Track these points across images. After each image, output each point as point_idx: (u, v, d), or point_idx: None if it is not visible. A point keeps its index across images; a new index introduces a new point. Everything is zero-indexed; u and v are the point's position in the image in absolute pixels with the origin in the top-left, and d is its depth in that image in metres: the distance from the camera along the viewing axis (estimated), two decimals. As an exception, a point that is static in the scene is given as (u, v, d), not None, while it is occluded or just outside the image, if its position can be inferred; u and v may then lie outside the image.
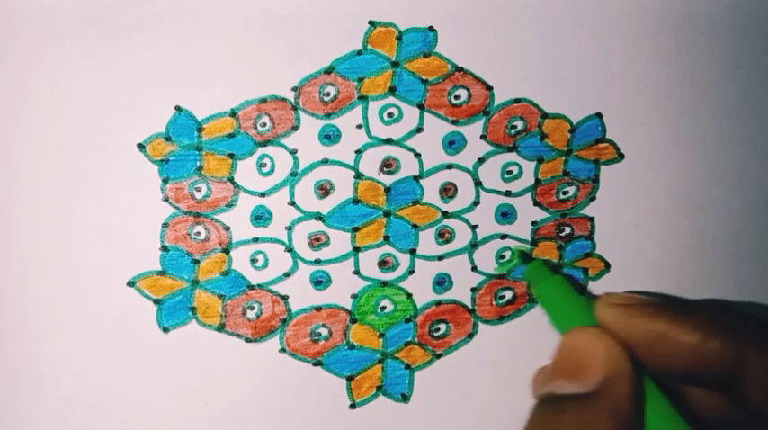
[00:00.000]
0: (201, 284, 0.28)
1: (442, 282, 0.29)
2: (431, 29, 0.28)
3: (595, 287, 0.29)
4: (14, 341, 0.27)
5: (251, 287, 0.28)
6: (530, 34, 0.28)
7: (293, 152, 0.28)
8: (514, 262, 0.29)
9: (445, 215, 0.29)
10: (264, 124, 0.28)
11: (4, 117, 0.27)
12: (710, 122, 0.29)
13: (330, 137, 0.28)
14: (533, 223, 0.29)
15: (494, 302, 0.29)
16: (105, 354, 0.27)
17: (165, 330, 0.27)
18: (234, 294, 0.28)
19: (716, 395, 0.23)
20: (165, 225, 0.27)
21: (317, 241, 0.28)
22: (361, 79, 0.28)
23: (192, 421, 0.28)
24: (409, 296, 0.29)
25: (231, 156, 0.28)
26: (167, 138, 0.27)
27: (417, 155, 0.28)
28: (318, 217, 0.28)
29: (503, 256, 0.29)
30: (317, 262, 0.28)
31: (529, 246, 0.29)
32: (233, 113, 0.27)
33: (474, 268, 0.29)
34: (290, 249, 0.28)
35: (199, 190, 0.28)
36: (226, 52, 0.27)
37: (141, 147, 0.27)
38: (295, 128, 0.28)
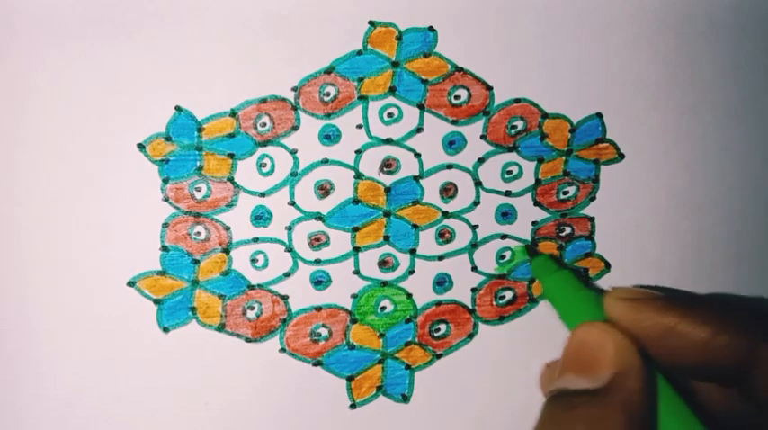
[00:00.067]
0: (201, 284, 0.28)
1: (443, 283, 0.29)
2: (431, 29, 0.28)
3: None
4: (14, 341, 0.27)
5: (251, 287, 0.28)
6: (530, 34, 0.28)
7: (293, 152, 0.28)
8: (515, 262, 0.29)
9: (445, 215, 0.29)
10: (264, 124, 0.28)
11: (4, 117, 0.27)
12: (710, 122, 0.29)
13: (330, 137, 0.28)
14: (533, 223, 0.29)
15: (494, 302, 0.29)
16: (105, 354, 0.27)
17: (165, 330, 0.27)
18: (234, 294, 0.28)
19: (726, 390, 0.23)
20: (165, 225, 0.27)
21: (316, 241, 0.28)
22: (361, 79, 0.28)
23: (192, 421, 0.28)
24: (409, 296, 0.29)
25: (231, 156, 0.28)
26: (167, 138, 0.27)
27: (417, 155, 0.28)
28: (318, 217, 0.28)
29: (503, 256, 0.29)
30: (317, 262, 0.28)
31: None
32: (233, 113, 0.27)
33: (474, 268, 0.29)
34: (290, 249, 0.28)
35: (199, 190, 0.28)
36: (226, 52, 0.27)
37: (141, 147, 0.27)
38: (295, 128, 0.28)
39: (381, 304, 0.29)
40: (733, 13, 0.29)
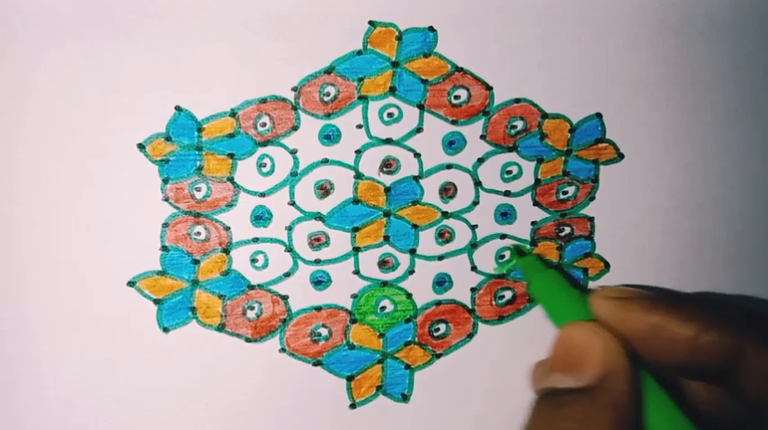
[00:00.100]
0: (201, 284, 0.28)
1: (442, 282, 0.29)
2: (431, 29, 0.28)
3: (595, 287, 0.29)
4: (14, 341, 0.27)
5: (251, 287, 0.28)
6: (530, 34, 0.28)
7: (293, 152, 0.28)
8: (513, 262, 0.29)
9: (445, 215, 0.29)
10: (264, 124, 0.28)
11: (4, 117, 0.27)
12: (710, 122, 0.29)
13: (330, 137, 0.28)
14: (533, 223, 0.29)
15: (493, 302, 0.29)
16: (105, 354, 0.27)
17: (165, 330, 0.27)
18: (234, 294, 0.28)
19: (713, 388, 0.23)
20: (165, 225, 0.27)
21: (316, 241, 0.28)
22: (361, 79, 0.28)
23: (192, 421, 0.28)
24: (409, 296, 0.29)
25: (231, 156, 0.28)
26: (167, 138, 0.27)
27: (417, 155, 0.28)
28: (318, 217, 0.28)
29: (502, 256, 0.29)
30: (317, 262, 0.28)
31: (529, 247, 0.29)
32: (233, 113, 0.27)
33: (474, 268, 0.29)
34: (290, 249, 0.28)
35: (199, 190, 0.28)
36: (226, 52, 0.27)
37: (141, 147, 0.27)
38: (295, 128, 0.28)
39: (381, 304, 0.29)
40: (733, 13, 0.29)
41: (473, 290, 0.29)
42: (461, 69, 0.28)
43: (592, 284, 0.29)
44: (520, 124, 0.29)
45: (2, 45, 0.26)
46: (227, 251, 0.28)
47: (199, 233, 0.28)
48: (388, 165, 0.28)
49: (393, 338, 0.29)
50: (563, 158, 0.29)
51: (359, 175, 0.28)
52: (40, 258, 0.27)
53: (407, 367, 0.29)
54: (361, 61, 0.28)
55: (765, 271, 0.30)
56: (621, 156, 0.29)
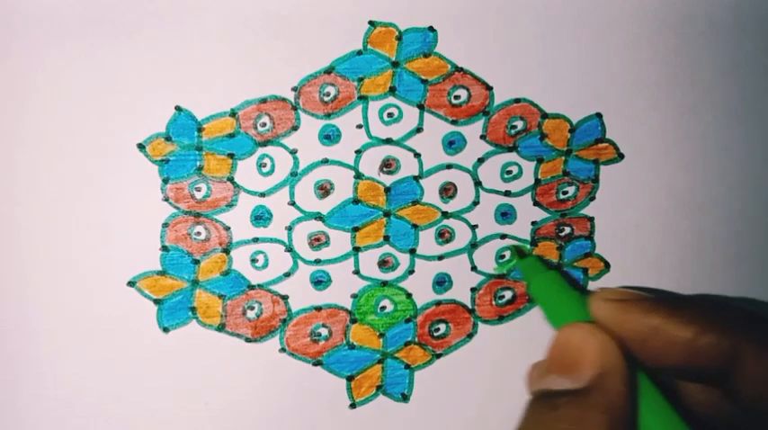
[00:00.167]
0: (202, 284, 0.28)
1: (442, 282, 0.29)
2: (431, 29, 0.28)
3: (595, 287, 0.29)
4: (14, 341, 0.27)
5: (251, 287, 0.28)
6: (530, 34, 0.28)
7: (293, 152, 0.28)
8: (513, 262, 0.29)
9: (445, 215, 0.29)
10: (264, 124, 0.28)
11: (4, 117, 0.27)
12: (710, 122, 0.29)
13: (330, 137, 0.28)
14: (533, 223, 0.29)
15: (493, 302, 0.29)
16: (105, 354, 0.27)
17: (165, 330, 0.27)
18: (234, 294, 0.28)
19: (711, 390, 0.23)
20: (165, 225, 0.27)
21: (316, 241, 0.28)
22: (361, 79, 0.28)
23: (192, 421, 0.28)
24: (409, 296, 0.29)
25: (231, 156, 0.28)
26: (167, 138, 0.27)
27: (417, 155, 0.28)
28: (318, 217, 0.28)
29: (502, 256, 0.29)
30: (317, 262, 0.28)
31: (529, 247, 0.29)
32: (233, 113, 0.27)
33: (474, 268, 0.29)
34: (290, 249, 0.28)
35: (199, 190, 0.28)
36: (226, 52, 0.27)
37: (141, 147, 0.27)
38: (295, 128, 0.28)
39: (381, 304, 0.29)
40: (733, 13, 0.29)
41: (473, 290, 0.29)
42: (461, 69, 0.28)
43: (592, 284, 0.29)
44: (520, 124, 0.29)
45: (2, 45, 0.26)
46: (227, 251, 0.28)
47: (199, 233, 0.28)
48: (388, 165, 0.28)
49: (393, 338, 0.29)
50: (563, 158, 0.29)
51: (359, 175, 0.28)
52: (40, 258, 0.27)
53: (407, 367, 0.29)
54: (361, 61, 0.28)
55: (765, 271, 0.30)
56: (621, 156, 0.29)
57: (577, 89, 0.29)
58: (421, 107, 0.28)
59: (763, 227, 0.30)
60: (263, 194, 0.28)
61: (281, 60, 0.27)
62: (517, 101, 0.28)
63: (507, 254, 0.29)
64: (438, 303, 0.29)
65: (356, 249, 0.28)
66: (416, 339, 0.29)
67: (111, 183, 0.27)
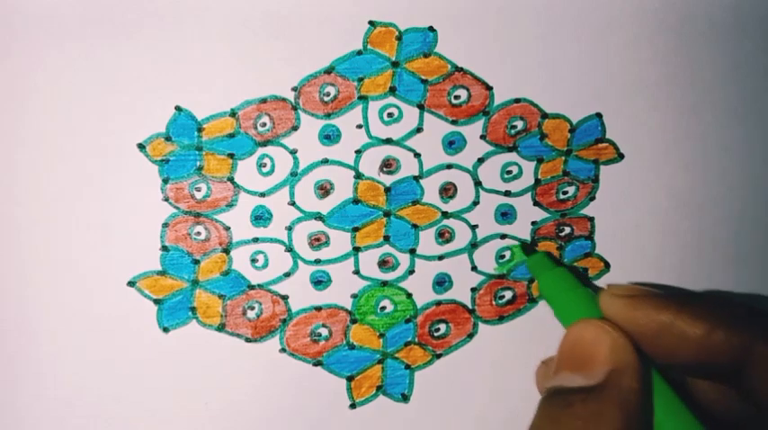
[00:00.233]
0: (202, 284, 0.28)
1: (442, 282, 0.29)
2: (431, 29, 0.28)
3: (600, 286, 0.29)
4: (14, 341, 0.27)
5: (251, 287, 0.28)
6: (530, 34, 0.28)
7: (293, 152, 0.28)
8: (514, 261, 0.29)
9: (445, 215, 0.29)
10: (264, 124, 0.28)
11: (4, 117, 0.27)
12: (710, 122, 0.29)
13: (330, 137, 0.28)
14: (533, 223, 0.29)
15: (493, 302, 0.29)
16: (105, 354, 0.27)
17: (165, 330, 0.27)
18: (234, 294, 0.28)
19: (722, 387, 0.23)
20: (165, 225, 0.27)
21: (316, 241, 0.28)
22: (361, 79, 0.28)
23: (192, 421, 0.28)
24: (409, 296, 0.29)
25: (231, 156, 0.28)
26: (167, 138, 0.27)
27: (417, 155, 0.28)
28: (318, 217, 0.28)
29: (502, 256, 0.29)
30: (317, 262, 0.28)
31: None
32: (233, 113, 0.27)
33: (474, 268, 0.29)
34: (290, 249, 0.28)
35: (199, 190, 0.28)
36: (226, 52, 0.27)
37: (141, 147, 0.27)
38: (295, 128, 0.28)
39: (381, 304, 0.29)
40: (733, 13, 0.29)
41: (473, 290, 0.29)
42: (461, 69, 0.28)
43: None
44: (520, 124, 0.29)
45: (2, 45, 0.26)
46: (227, 251, 0.28)
47: (199, 233, 0.28)
48: (388, 165, 0.28)
49: (393, 338, 0.29)
50: (563, 158, 0.29)
51: (359, 175, 0.28)
52: (40, 258, 0.27)
53: (407, 367, 0.29)
54: (361, 61, 0.28)
55: (765, 271, 0.30)
56: (621, 156, 0.29)
57: (577, 89, 0.29)
58: (421, 107, 0.28)
59: (763, 227, 0.30)
60: (263, 194, 0.28)
61: (281, 60, 0.27)
62: (517, 101, 0.28)
63: (507, 254, 0.29)
64: (438, 303, 0.29)
65: (356, 249, 0.28)
66: (416, 339, 0.29)
67: (111, 183, 0.27)
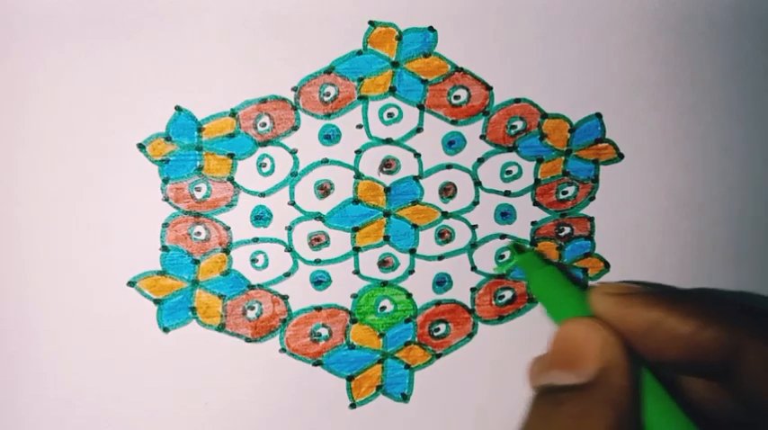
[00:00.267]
0: (202, 284, 0.28)
1: (442, 282, 0.29)
2: (431, 29, 0.28)
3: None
4: (14, 341, 0.27)
5: (251, 287, 0.28)
6: (530, 34, 0.28)
7: (293, 152, 0.28)
8: (513, 261, 0.29)
9: (445, 215, 0.29)
10: (264, 124, 0.28)
11: (4, 117, 0.27)
12: (710, 122, 0.29)
13: (330, 137, 0.28)
14: (533, 223, 0.29)
15: (493, 302, 0.29)
16: (105, 354, 0.27)
17: (165, 330, 0.27)
18: (234, 294, 0.28)
19: (712, 384, 0.23)
20: (165, 225, 0.27)
21: (316, 241, 0.28)
22: (361, 79, 0.28)
23: (192, 421, 0.28)
24: (409, 296, 0.29)
25: (231, 156, 0.28)
26: (167, 138, 0.27)
27: (417, 155, 0.28)
28: (318, 217, 0.28)
29: (502, 256, 0.29)
30: (317, 262, 0.28)
31: (529, 246, 0.29)
32: (233, 113, 0.27)
33: (474, 268, 0.29)
34: (290, 249, 0.28)
35: (199, 190, 0.28)
36: (226, 52, 0.27)
37: (141, 147, 0.27)
38: (295, 128, 0.28)
39: (381, 304, 0.29)
40: (733, 13, 0.29)
41: (473, 290, 0.29)
42: (461, 69, 0.28)
43: (591, 284, 0.29)
44: (520, 124, 0.29)
45: (2, 45, 0.26)
46: (227, 251, 0.28)
47: (199, 233, 0.28)
48: (388, 165, 0.28)
49: (393, 338, 0.29)
50: (563, 158, 0.29)
51: (359, 175, 0.28)
52: (40, 258, 0.27)
53: (407, 367, 0.29)
54: (361, 61, 0.28)
55: (765, 271, 0.30)
56: (621, 156, 0.29)
57: (577, 89, 0.29)
58: (421, 107, 0.28)
59: (763, 227, 0.30)
60: (263, 194, 0.28)
61: (281, 60, 0.27)
62: (517, 101, 0.28)
63: (507, 254, 0.29)
64: (438, 303, 0.29)
65: (356, 249, 0.28)
66: (416, 339, 0.29)
67: (111, 183, 0.27)
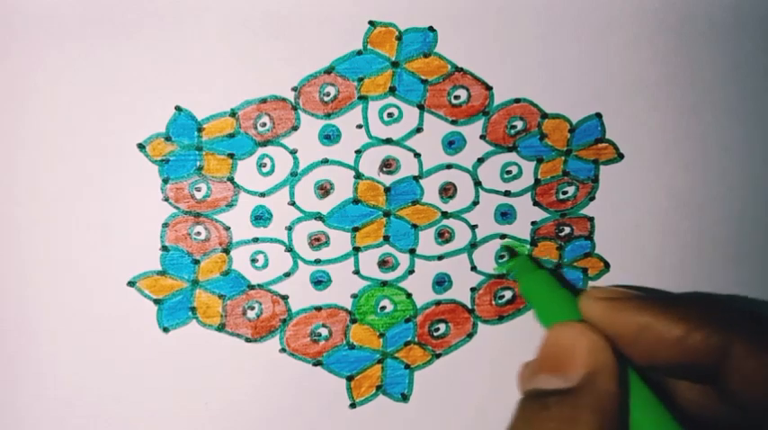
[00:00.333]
0: (202, 284, 0.28)
1: (442, 282, 0.29)
2: (431, 29, 0.28)
3: (593, 287, 0.29)
4: (14, 341, 0.27)
5: (251, 287, 0.28)
6: (530, 34, 0.28)
7: (293, 152, 0.28)
8: (507, 264, 0.29)
9: (445, 215, 0.29)
10: (264, 124, 0.28)
11: (4, 117, 0.27)
12: (710, 122, 0.29)
13: (330, 137, 0.28)
14: (533, 223, 0.29)
15: (493, 302, 0.29)
16: (105, 354, 0.27)
17: (165, 330, 0.27)
18: (234, 294, 0.28)
19: (702, 388, 0.23)
20: (165, 225, 0.27)
21: (317, 241, 0.28)
22: (361, 79, 0.28)
23: (192, 421, 0.28)
24: (409, 296, 0.29)
25: (231, 156, 0.28)
26: (167, 138, 0.27)
27: (417, 155, 0.28)
28: (318, 217, 0.28)
29: (502, 256, 0.29)
30: (317, 262, 0.28)
31: (528, 247, 0.29)
32: (233, 113, 0.27)
33: (473, 268, 0.29)
34: (290, 249, 0.28)
35: (199, 190, 0.28)
36: (226, 52, 0.27)
37: (141, 147, 0.27)
38: (295, 128, 0.28)
39: (381, 304, 0.29)
40: (733, 13, 0.29)
41: (473, 290, 0.29)
42: (461, 69, 0.28)
43: (591, 284, 0.29)
44: (520, 124, 0.29)
45: (2, 45, 0.26)
46: (227, 251, 0.28)
47: (199, 233, 0.28)
48: (388, 165, 0.28)
49: (393, 338, 0.29)
50: (563, 158, 0.29)
51: (359, 175, 0.28)
52: (40, 258, 0.27)
53: (407, 367, 0.29)
54: (361, 61, 0.28)
55: (765, 271, 0.30)
56: (621, 156, 0.29)
57: (577, 89, 0.29)
58: (421, 107, 0.28)
59: (763, 227, 0.30)
60: (263, 194, 0.28)
61: (281, 60, 0.27)
62: (517, 101, 0.28)
63: (507, 254, 0.29)
64: (438, 303, 0.29)
65: (356, 249, 0.28)
66: (416, 339, 0.29)
67: (111, 183, 0.27)
